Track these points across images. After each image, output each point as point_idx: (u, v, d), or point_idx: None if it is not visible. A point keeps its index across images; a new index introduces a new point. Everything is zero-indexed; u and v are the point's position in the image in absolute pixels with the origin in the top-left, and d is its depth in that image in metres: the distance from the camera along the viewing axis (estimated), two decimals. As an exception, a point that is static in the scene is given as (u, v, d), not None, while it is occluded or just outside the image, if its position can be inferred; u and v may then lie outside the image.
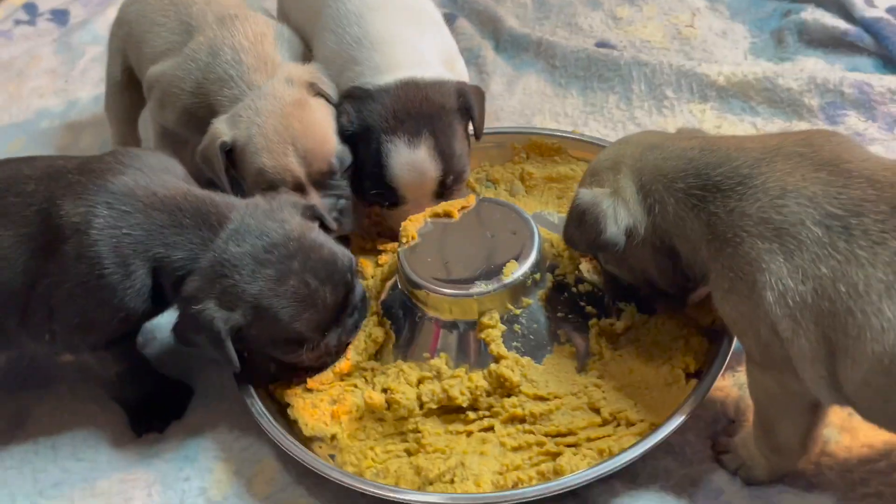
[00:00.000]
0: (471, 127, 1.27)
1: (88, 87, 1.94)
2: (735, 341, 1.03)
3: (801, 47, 1.62)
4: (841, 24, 1.59)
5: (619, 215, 1.00)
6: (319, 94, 1.25)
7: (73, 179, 1.05)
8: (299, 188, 1.20)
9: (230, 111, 1.23)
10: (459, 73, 1.44)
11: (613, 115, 1.56)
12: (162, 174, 1.08)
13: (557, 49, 1.71)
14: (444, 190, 1.23)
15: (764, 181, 0.88)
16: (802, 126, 1.45)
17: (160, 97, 1.36)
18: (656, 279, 1.03)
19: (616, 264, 1.07)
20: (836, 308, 0.80)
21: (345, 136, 1.23)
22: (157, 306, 1.08)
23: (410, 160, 1.19)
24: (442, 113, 1.20)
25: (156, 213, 1.03)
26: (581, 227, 1.03)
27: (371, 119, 1.20)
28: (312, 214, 1.11)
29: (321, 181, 1.21)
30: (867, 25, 1.57)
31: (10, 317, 1.05)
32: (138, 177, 1.05)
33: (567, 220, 1.07)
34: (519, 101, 1.65)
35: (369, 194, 1.25)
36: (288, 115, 1.21)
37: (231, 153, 1.22)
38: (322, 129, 1.23)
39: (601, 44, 1.74)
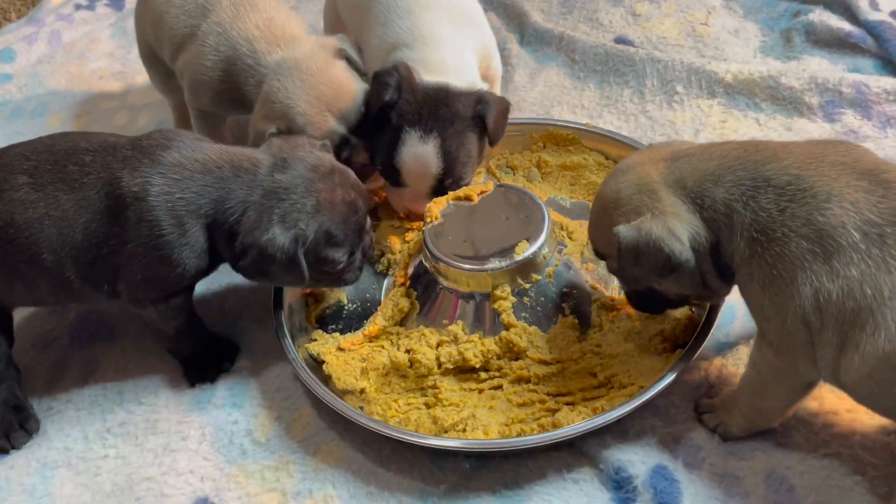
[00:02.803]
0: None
1: (144, 70, 2.09)
2: (719, 317, 1.16)
3: (808, 47, 1.72)
4: (846, 26, 1.69)
5: (677, 231, 0.98)
6: (346, 58, 1.39)
7: (128, 154, 1.19)
8: (344, 142, 1.35)
9: (260, 97, 1.36)
10: (494, 68, 1.57)
11: (627, 108, 1.67)
12: (199, 142, 1.23)
13: (578, 44, 1.82)
14: (441, 188, 1.35)
15: (812, 184, 0.92)
16: (802, 122, 1.55)
17: (190, 85, 1.49)
18: (710, 278, 1.02)
19: (678, 283, 1.04)
20: (858, 307, 0.86)
21: (380, 106, 1.33)
22: (210, 264, 1.23)
23: (417, 152, 1.32)
24: (455, 120, 1.32)
25: (200, 176, 1.17)
26: (642, 262, 1.00)
27: (403, 106, 1.33)
28: (327, 148, 1.27)
29: (358, 130, 1.36)
30: (870, 28, 1.66)
31: (72, 270, 1.20)
32: (182, 148, 1.19)
33: (620, 263, 1.03)
34: (540, 93, 1.77)
35: (378, 168, 1.39)
36: (316, 84, 1.34)
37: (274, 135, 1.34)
38: (348, 87, 1.37)
39: (620, 39, 1.85)
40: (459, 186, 1.35)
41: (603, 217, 1.07)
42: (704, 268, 1.01)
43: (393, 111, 1.34)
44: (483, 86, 1.39)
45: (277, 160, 1.20)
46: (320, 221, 1.16)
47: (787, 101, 1.58)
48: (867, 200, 0.89)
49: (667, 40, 1.83)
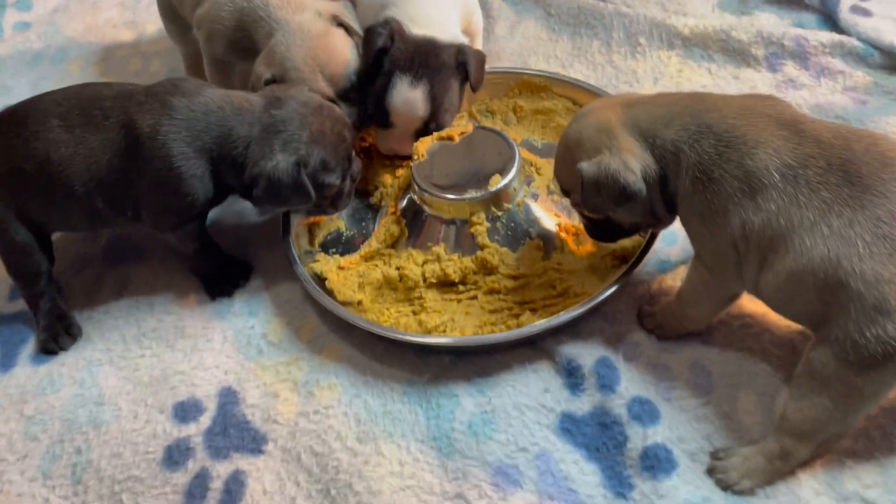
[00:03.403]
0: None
1: (153, 18, 2.23)
2: (658, 239, 1.37)
3: (760, 2, 1.90)
4: (794, -16, 1.87)
5: (631, 164, 1.13)
6: (341, 24, 1.55)
7: (142, 100, 1.38)
8: (329, 101, 1.51)
9: (266, 47, 1.53)
10: (476, 23, 1.74)
11: (595, 58, 1.86)
12: (202, 87, 1.41)
13: (554, -2, 2.00)
14: (425, 131, 1.54)
15: (744, 133, 1.08)
16: (749, 72, 1.75)
17: (206, 34, 1.66)
18: (658, 208, 1.19)
19: (631, 212, 1.21)
20: (775, 234, 1.04)
21: (376, 53, 1.51)
22: (217, 196, 1.42)
23: (407, 96, 1.51)
24: (442, 69, 1.51)
25: (203, 116, 1.36)
26: (602, 193, 1.16)
27: (396, 54, 1.52)
28: (313, 91, 1.45)
29: (346, 95, 1.54)
30: (815, -14, 1.85)
31: (99, 199, 1.40)
32: (187, 93, 1.38)
33: (584, 195, 1.19)
34: (518, 44, 1.95)
35: (369, 111, 1.56)
36: (314, 47, 1.51)
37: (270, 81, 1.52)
38: (342, 54, 1.53)
39: (592, -6, 2.02)
40: (441, 129, 1.54)
41: (566, 155, 1.24)
42: (653, 198, 1.18)
43: (386, 58, 1.51)
44: (464, 39, 1.57)
45: (272, 99, 1.38)
46: (316, 149, 1.35)
47: (736, 53, 1.77)
48: (786, 147, 1.06)
49: (635, -6, 2.01)
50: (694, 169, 1.11)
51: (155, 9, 2.25)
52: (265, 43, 1.55)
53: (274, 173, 1.33)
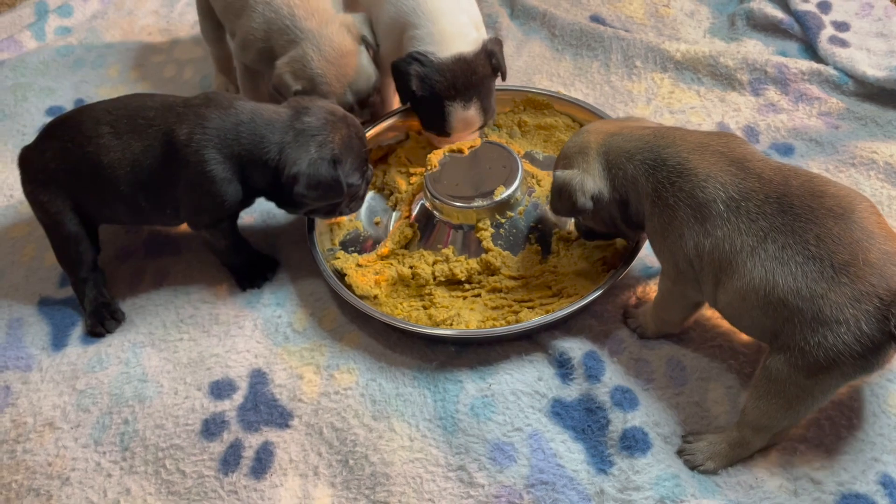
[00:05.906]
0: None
1: (186, 27, 2.42)
2: (643, 247, 1.54)
3: (748, 30, 2.06)
4: (779, 14, 2.03)
5: (587, 187, 1.34)
6: (365, 42, 1.73)
7: (181, 111, 1.55)
8: (350, 110, 1.72)
9: (289, 52, 1.69)
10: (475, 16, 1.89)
11: (594, 78, 2.02)
12: (234, 101, 1.57)
13: (558, 20, 2.16)
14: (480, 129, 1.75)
15: (695, 166, 1.24)
16: (734, 95, 1.91)
17: (241, 43, 1.83)
18: (619, 223, 1.40)
19: (590, 219, 1.45)
20: (722, 257, 1.20)
21: (414, 95, 1.67)
22: (245, 198, 1.58)
23: (464, 117, 1.69)
24: (484, 79, 1.68)
25: (234, 126, 1.52)
26: (560, 200, 1.39)
27: (437, 88, 1.66)
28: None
29: (364, 103, 1.74)
30: (798, 17, 2.00)
31: (142, 198, 1.58)
32: (219, 106, 1.55)
33: (551, 196, 1.42)
34: (524, 62, 2.11)
35: (429, 130, 1.75)
36: (345, 65, 1.68)
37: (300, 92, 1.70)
38: (367, 71, 1.73)
39: (594, 18, 2.18)
40: (488, 125, 1.75)
41: (558, 159, 1.45)
42: (613, 215, 1.38)
43: (427, 93, 1.66)
44: (481, 34, 1.72)
45: (300, 108, 1.55)
46: (345, 151, 1.52)
47: (723, 77, 1.93)
48: (732, 182, 1.22)
49: (633, 19, 2.17)
50: (651, 195, 1.29)
51: (187, 18, 2.45)
52: (286, 49, 1.71)
53: (314, 170, 1.50)
